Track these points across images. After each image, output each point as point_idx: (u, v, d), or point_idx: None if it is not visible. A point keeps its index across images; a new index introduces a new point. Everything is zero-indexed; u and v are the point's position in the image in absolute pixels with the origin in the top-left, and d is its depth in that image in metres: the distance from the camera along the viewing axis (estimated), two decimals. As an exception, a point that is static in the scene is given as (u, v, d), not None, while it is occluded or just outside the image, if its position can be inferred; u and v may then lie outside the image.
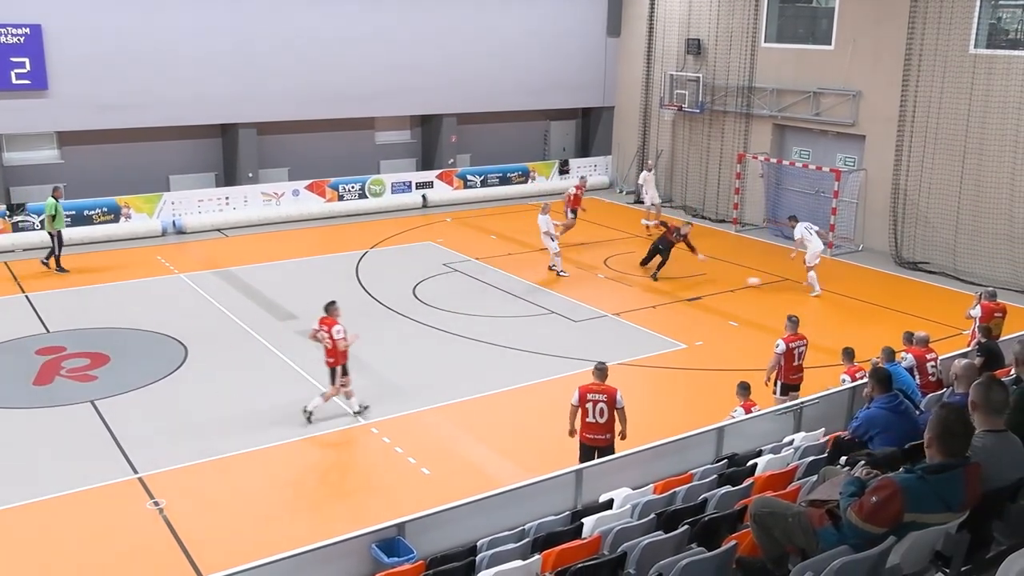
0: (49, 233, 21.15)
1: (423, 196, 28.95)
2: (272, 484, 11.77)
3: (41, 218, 21.99)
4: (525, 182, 31.15)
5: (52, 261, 21.10)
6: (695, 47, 28.25)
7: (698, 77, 27.98)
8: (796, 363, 12.99)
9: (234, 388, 14.68)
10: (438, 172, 29.79)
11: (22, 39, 23.14)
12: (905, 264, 22.61)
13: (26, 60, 23.29)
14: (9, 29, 22.94)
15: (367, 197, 28.37)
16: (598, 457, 10.91)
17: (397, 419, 13.57)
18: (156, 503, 11.14)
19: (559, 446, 12.51)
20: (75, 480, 11.65)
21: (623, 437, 11.16)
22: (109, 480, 11.70)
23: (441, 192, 29.42)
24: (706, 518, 7.00)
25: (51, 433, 13.04)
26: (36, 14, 23.26)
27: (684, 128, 29.47)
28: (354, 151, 29.73)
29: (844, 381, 11.80)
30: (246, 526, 10.78)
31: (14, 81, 23.24)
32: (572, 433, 11.30)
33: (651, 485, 8.76)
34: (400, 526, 7.82)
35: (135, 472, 11.88)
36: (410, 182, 29.15)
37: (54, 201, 20.99)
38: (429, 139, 31.04)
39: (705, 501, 7.69)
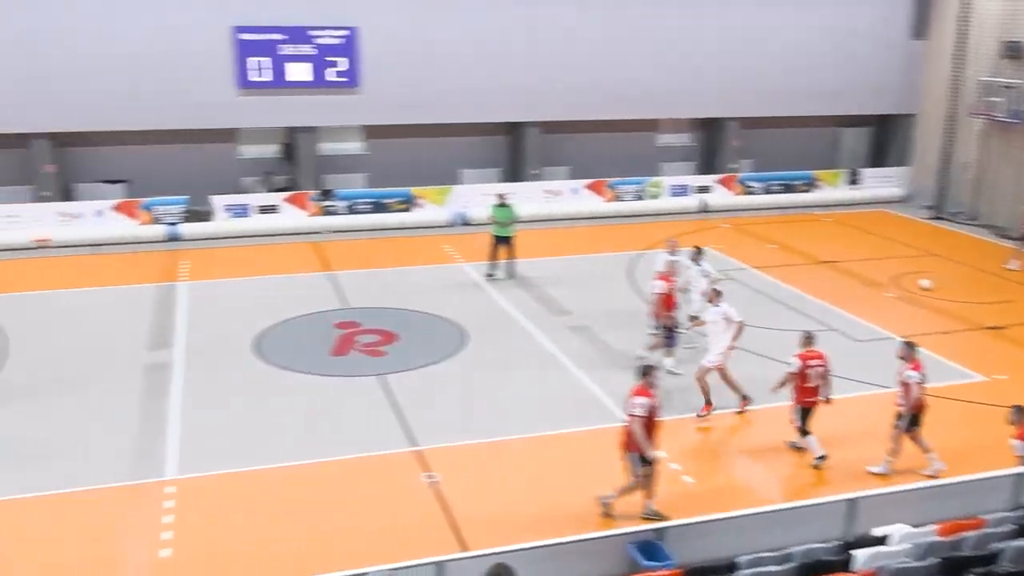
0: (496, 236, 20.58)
1: (702, 200, 28.55)
2: (541, 471, 12.11)
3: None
4: (810, 191, 29.81)
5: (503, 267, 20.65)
6: (1014, 50, 25.63)
7: (1017, 83, 25.38)
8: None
9: (509, 375, 15.26)
10: (718, 176, 29.25)
11: (341, 41, 25.43)
12: None
13: (343, 60, 25.58)
14: (330, 31, 25.29)
15: (644, 199, 28.42)
16: (808, 418, 12.09)
17: (666, 424, 13.46)
18: (431, 476, 11.84)
19: (835, 470, 11.91)
20: (358, 446, 12.64)
21: (828, 402, 12.23)
22: (389, 450, 12.59)
23: (720, 197, 28.87)
24: (999, 571, 6.38)
25: (342, 401, 14.24)
26: (354, 18, 25.45)
27: (996, 140, 26.86)
28: (634, 152, 29.89)
29: None
30: (513, 509, 11.16)
31: (331, 79, 25.61)
32: (776, 390, 12.47)
33: (934, 526, 8.11)
34: (660, 531, 7.80)
35: (414, 445, 12.70)
36: (689, 185, 28.85)
37: (499, 206, 20.51)
38: (711, 142, 30.55)
39: (998, 552, 7.00)
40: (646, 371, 10.61)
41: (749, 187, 29.36)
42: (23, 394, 14.32)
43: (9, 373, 15.23)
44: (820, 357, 12.12)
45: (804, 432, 12.25)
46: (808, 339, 12.30)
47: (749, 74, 28.82)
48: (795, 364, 12.03)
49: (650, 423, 10.43)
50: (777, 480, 12.19)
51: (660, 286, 14.94)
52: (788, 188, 29.67)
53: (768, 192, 29.46)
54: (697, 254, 16.21)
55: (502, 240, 20.50)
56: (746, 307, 18.56)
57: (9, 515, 10.89)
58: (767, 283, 20.56)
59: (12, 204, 24.22)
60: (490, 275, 20.56)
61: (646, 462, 10.50)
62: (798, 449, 12.56)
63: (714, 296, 13.76)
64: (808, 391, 12.07)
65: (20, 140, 24.54)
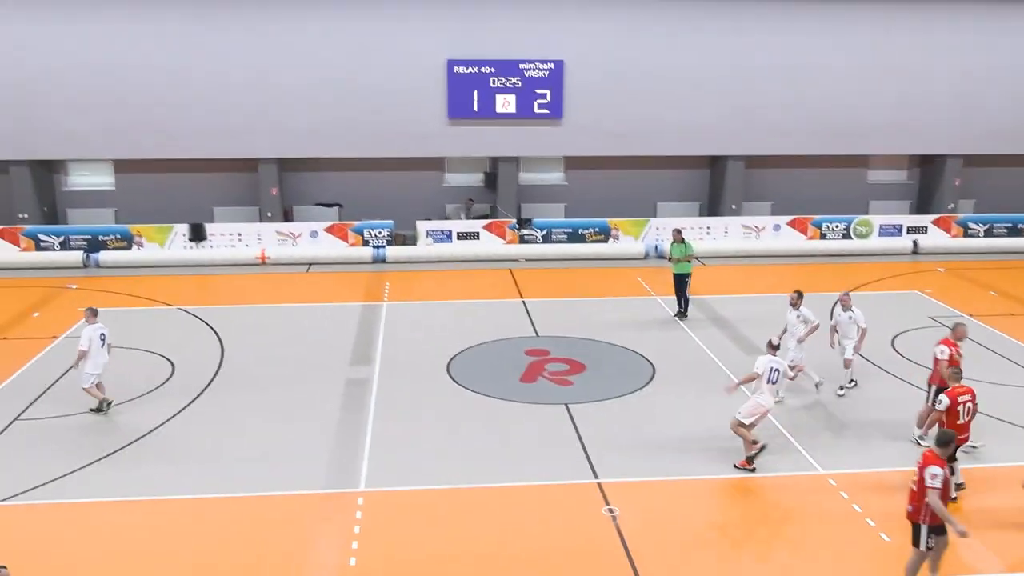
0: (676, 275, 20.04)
1: (914, 242, 26.94)
2: (723, 515, 11.75)
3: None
4: (1040, 235, 27.53)
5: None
6: None
7: None
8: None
9: (696, 413, 14.90)
10: (934, 217, 27.53)
11: (547, 73, 25.99)
12: None
13: (547, 92, 26.12)
14: (537, 65, 25.90)
15: (851, 238, 27.17)
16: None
17: (860, 475, 12.74)
18: (611, 510, 11.72)
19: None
20: (540, 473, 12.70)
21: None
22: (570, 480, 12.58)
23: (935, 239, 27.15)
24: None
25: (528, 427, 14.38)
26: (561, 50, 25.95)
27: None
28: (842, 189, 28.75)
29: None
30: (692, 550, 10.86)
31: (536, 111, 26.20)
32: (926, 432, 12.31)
33: None
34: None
35: (595, 477, 12.62)
36: (901, 226, 27.33)
37: (672, 242, 20.14)
38: (928, 181, 28.87)
39: None
40: (945, 440, 9.86)
41: (969, 229, 27.43)
42: (232, 400, 15.43)
43: (221, 379, 16.45)
44: (970, 392, 11.88)
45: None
46: (956, 375, 12.12)
47: (977, 108, 27.06)
48: (944, 402, 11.75)
49: (943, 493, 9.66)
50: (986, 545, 11.19)
51: (942, 351, 13.39)
52: (1015, 232, 27.48)
53: (991, 235, 27.42)
54: (798, 298, 15.46)
55: (681, 277, 19.99)
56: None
57: (211, 512, 11.72)
58: (985, 333, 19.06)
59: (239, 223, 26.32)
60: (680, 312, 20.16)
61: (937, 533, 9.73)
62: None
63: (770, 349, 13.25)
64: (959, 428, 11.73)
65: (251, 164, 26.68)
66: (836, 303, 16.09)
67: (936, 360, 13.38)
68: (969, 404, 11.80)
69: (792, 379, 14.64)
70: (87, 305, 15.44)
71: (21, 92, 24.89)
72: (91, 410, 14.70)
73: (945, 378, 12.62)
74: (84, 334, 14.47)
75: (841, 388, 15.69)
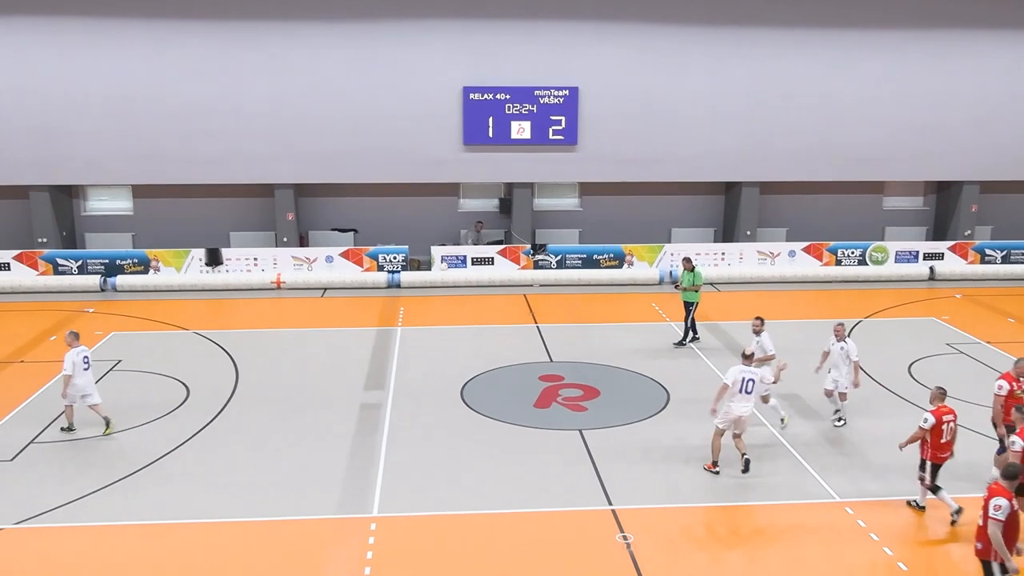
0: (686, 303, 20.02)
1: (931, 268, 26.80)
2: (734, 542, 11.63)
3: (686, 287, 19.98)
4: (1059, 262, 27.34)
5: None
6: None
7: None
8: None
9: (710, 440, 14.78)
10: (951, 244, 27.39)
11: (561, 100, 26.11)
12: None
13: (562, 118, 26.23)
14: (552, 91, 26.02)
15: (867, 264, 27.06)
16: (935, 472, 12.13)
17: (877, 503, 12.61)
18: (625, 537, 11.63)
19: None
20: (554, 499, 12.63)
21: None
22: (584, 506, 12.50)
23: (952, 265, 27.00)
24: None
25: (541, 453, 14.31)
26: (576, 77, 26.07)
27: None
28: (858, 215, 28.68)
29: None
30: (705, 580, 10.79)
31: (551, 137, 26.30)
32: (903, 447, 12.38)
33: None
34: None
35: (609, 504, 12.54)
36: (917, 252, 27.20)
37: (683, 271, 20.03)
38: (945, 207, 28.76)
39: None
40: (1012, 473, 9.54)
41: (987, 255, 27.27)
42: (246, 424, 15.45)
43: (235, 403, 16.48)
44: (952, 412, 12.13)
45: (935, 489, 12.15)
46: (941, 394, 12.25)
47: (993, 134, 26.98)
48: (929, 420, 11.99)
49: (1011, 528, 9.45)
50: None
51: (1001, 386, 12.99)
52: (1032, 258, 27.36)
53: (1008, 261, 27.25)
54: (760, 324, 15.43)
55: (687, 305, 19.95)
56: (976, 385, 17.20)
57: (223, 537, 11.70)
58: (1002, 360, 18.88)
59: (255, 248, 26.47)
60: (696, 339, 20.09)
61: (1004, 571, 9.53)
62: (920, 508, 12.36)
63: (744, 359, 13.54)
64: (942, 447, 12.10)
65: (267, 190, 26.87)
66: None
67: (995, 396, 13.04)
68: (952, 424, 12.02)
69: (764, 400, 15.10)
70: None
71: (42, 119, 25.18)
72: (62, 429, 14.91)
73: (1004, 413, 12.61)
74: (67, 358, 14.48)
75: (840, 420, 15.44)
